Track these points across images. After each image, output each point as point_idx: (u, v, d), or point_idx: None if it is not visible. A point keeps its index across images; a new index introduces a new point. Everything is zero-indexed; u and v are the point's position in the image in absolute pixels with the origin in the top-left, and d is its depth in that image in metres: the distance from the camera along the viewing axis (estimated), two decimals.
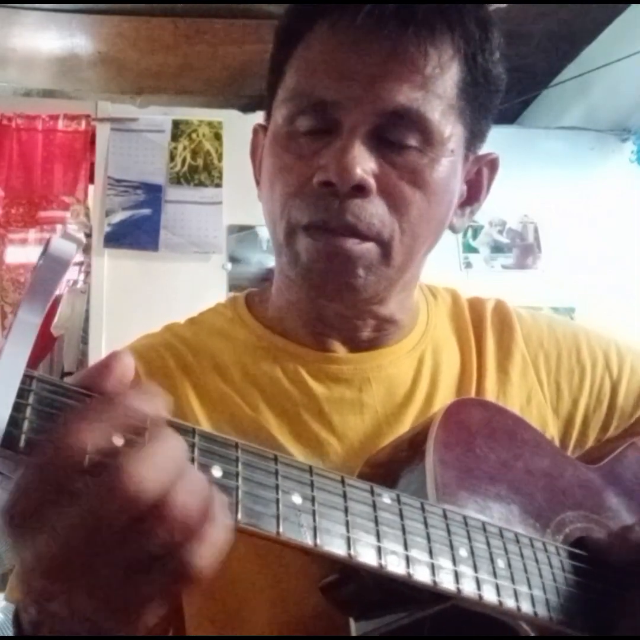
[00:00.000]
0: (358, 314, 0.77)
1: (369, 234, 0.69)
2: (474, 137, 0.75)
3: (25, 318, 0.42)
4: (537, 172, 2.95)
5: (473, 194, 0.80)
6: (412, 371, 0.80)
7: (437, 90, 0.69)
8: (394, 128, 0.69)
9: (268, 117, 0.78)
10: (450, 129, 0.70)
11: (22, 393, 0.42)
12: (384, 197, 0.69)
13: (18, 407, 0.42)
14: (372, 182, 0.68)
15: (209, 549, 0.43)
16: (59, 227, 2.78)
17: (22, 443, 0.42)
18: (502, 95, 0.76)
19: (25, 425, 0.43)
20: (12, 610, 0.51)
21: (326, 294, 0.74)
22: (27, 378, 0.43)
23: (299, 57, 0.72)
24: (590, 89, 2.96)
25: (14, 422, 0.42)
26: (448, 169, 0.72)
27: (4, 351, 0.41)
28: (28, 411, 0.43)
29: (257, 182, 0.83)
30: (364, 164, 0.67)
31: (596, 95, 2.97)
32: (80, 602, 0.42)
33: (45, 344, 2.66)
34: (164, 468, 0.42)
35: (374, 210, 0.69)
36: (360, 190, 0.68)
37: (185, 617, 0.73)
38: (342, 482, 0.53)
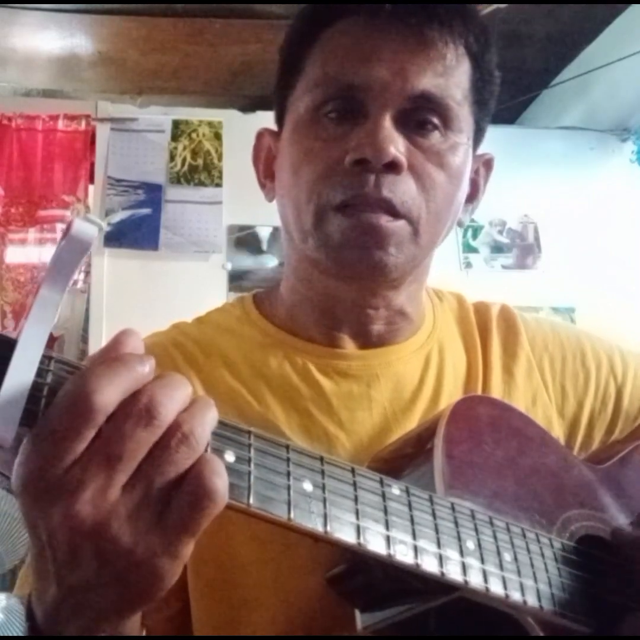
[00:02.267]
0: (372, 302, 0.78)
1: (401, 211, 0.71)
2: (478, 133, 0.79)
3: (46, 296, 0.43)
4: (537, 172, 2.96)
5: (473, 191, 0.83)
6: (419, 369, 0.81)
7: (456, 79, 0.73)
8: (419, 112, 0.72)
9: (280, 117, 0.80)
10: (466, 118, 0.74)
11: (40, 372, 0.43)
12: (414, 177, 0.72)
13: (37, 386, 0.43)
14: (404, 159, 0.70)
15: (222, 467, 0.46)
16: (59, 226, 2.78)
17: (39, 421, 0.43)
18: (496, 98, 0.80)
19: (43, 404, 0.43)
20: (25, 603, 0.51)
21: (357, 271, 0.74)
22: (45, 358, 0.44)
23: (321, 48, 0.74)
24: (590, 89, 2.96)
25: (33, 400, 0.43)
26: (464, 156, 0.75)
27: (25, 329, 0.42)
28: (46, 390, 0.44)
29: (262, 185, 0.85)
30: (396, 143, 0.70)
31: (596, 95, 2.98)
32: (112, 551, 0.44)
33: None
34: (174, 396, 0.46)
35: (405, 188, 0.71)
36: (393, 167, 0.70)
37: (192, 613, 0.74)
38: (353, 471, 0.54)
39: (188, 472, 0.45)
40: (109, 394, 0.44)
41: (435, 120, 0.72)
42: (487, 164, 0.84)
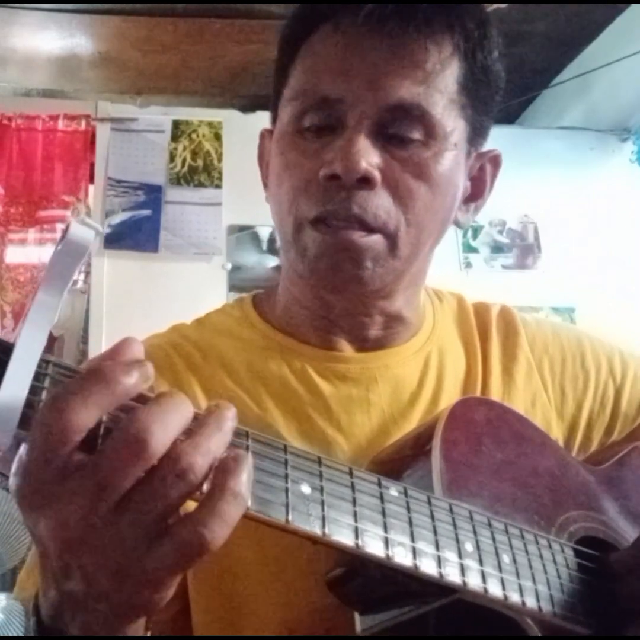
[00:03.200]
0: (365, 311, 0.78)
1: (375, 226, 0.70)
2: (476, 132, 0.77)
3: (43, 300, 0.43)
4: (537, 172, 2.95)
5: (477, 190, 0.81)
6: (418, 372, 0.81)
7: (439, 85, 0.70)
8: (397, 122, 0.70)
9: (274, 119, 0.80)
10: (452, 123, 0.72)
11: (38, 376, 0.43)
12: (389, 190, 0.70)
13: (34, 390, 0.43)
14: (377, 174, 0.69)
15: (220, 521, 0.43)
16: (59, 226, 2.78)
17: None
18: (502, 93, 0.78)
19: (41, 407, 0.43)
20: (31, 599, 0.51)
21: (334, 287, 0.74)
22: (43, 362, 0.44)
23: (303, 58, 0.74)
24: (590, 89, 2.96)
25: (30, 404, 0.43)
26: (451, 162, 0.73)
27: (22, 333, 0.42)
28: (43, 394, 0.44)
29: (265, 186, 0.84)
30: (368, 157, 0.69)
31: (596, 95, 2.97)
32: (95, 574, 0.43)
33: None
34: (170, 423, 0.43)
35: (379, 202, 0.70)
36: (365, 182, 0.69)
37: (192, 614, 0.74)
38: (351, 473, 0.54)
39: (182, 518, 0.43)
40: (82, 415, 0.42)
41: (414, 131, 0.70)
42: (494, 160, 0.82)
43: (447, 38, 0.71)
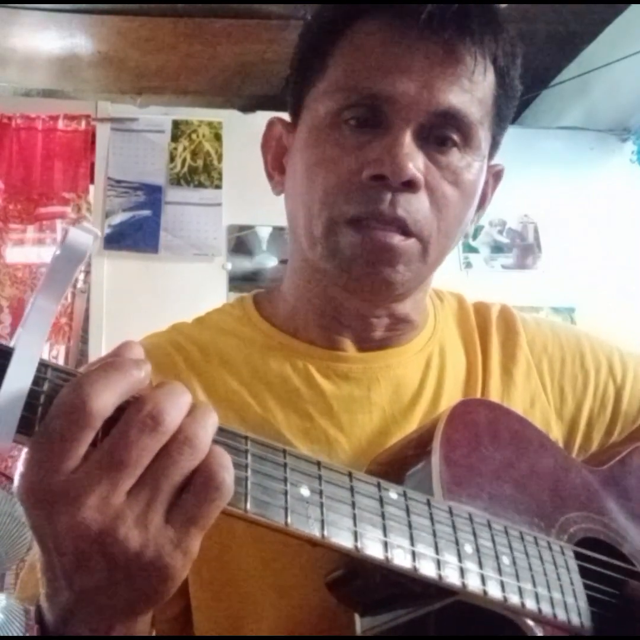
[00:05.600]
0: (375, 312, 0.78)
1: (414, 230, 0.71)
2: (494, 145, 0.78)
3: (41, 305, 0.43)
4: (537, 172, 2.95)
5: (480, 202, 0.82)
6: (419, 372, 0.81)
7: (479, 95, 0.72)
8: (441, 128, 0.71)
9: (296, 111, 0.78)
10: (484, 134, 0.73)
11: (37, 380, 0.44)
12: (428, 194, 0.71)
13: (33, 394, 0.43)
14: (422, 178, 0.69)
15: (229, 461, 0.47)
16: (58, 222, 2.78)
17: (37, 429, 0.44)
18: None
19: (40, 411, 0.44)
20: (34, 606, 0.51)
21: (365, 286, 0.74)
22: (42, 366, 0.44)
23: (345, 50, 0.73)
24: (590, 89, 2.96)
25: (30, 408, 0.43)
26: (479, 172, 0.74)
27: (21, 338, 0.42)
28: (42, 398, 0.44)
29: (270, 177, 0.83)
30: (415, 160, 0.69)
31: (596, 95, 2.98)
32: (119, 556, 0.45)
33: None
34: (177, 402, 0.47)
35: (420, 206, 0.70)
36: (411, 185, 0.69)
37: (194, 614, 0.74)
38: (350, 476, 0.54)
39: (197, 467, 0.46)
40: (104, 398, 0.44)
41: (456, 138, 0.71)
42: (497, 175, 0.83)
43: (491, 51, 0.72)
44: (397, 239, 0.70)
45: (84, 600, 0.47)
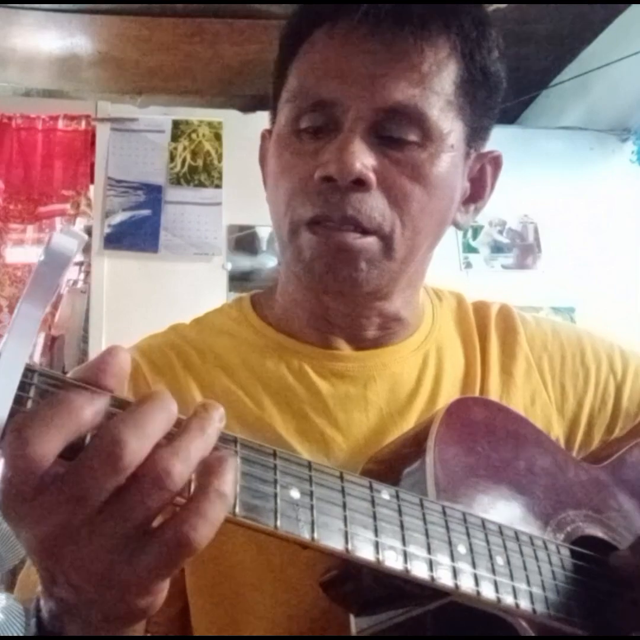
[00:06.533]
0: (362, 312, 0.78)
1: (369, 227, 0.70)
2: (475, 134, 0.76)
3: (27, 311, 0.43)
4: (537, 172, 2.95)
5: (477, 191, 0.81)
6: (416, 370, 0.81)
7: (435, 87, 0.70)
8: (393, 124, 0.70)
9: (273, 120, 0.80)
10: (449, 124, 0.72)
11: (23, 386, 0.43)
12: (384, 192, 0.71)
13: (20, 400, 0.43)
14: (371, 176, 0.69)
15: (204, 521, 0.43)
16: (58, 220, 2.78)
17: None
18: (502, 94, 0.78)
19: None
20: (33, 603, 0.51)
21: (329, 288, 0.74)
22: (28, 371, 0.43)
23: (300, 60, 0.74)
24: (590, 89, 2.96)
25: (15, 414, 0.42)
26: (448, 164, 0.73)
27: (6, 344, 0.42)
28: (29, 404, 0.43)
29: (265, 187, 0.84)
30: (363, 159, 0.69)
31: (596, 95, 2.97)
32: (80, 583, 0.43)
33: None
34: (146, 431, 0.42)
35: (374, 204, 0.70)
36: (360, 184, 0.69)
37: (191, 614, 0.74)
38: (341, 477, 0.54)
39: (166, 520, 0.43)
40: (45, 445, 0.41)
41: (410, 133, 0.70)
42: (495, 161, 0.82)
43: (443, 39, 0.71)
44: (351, 237, 0.70)
45: (63, 607, 0.46)
